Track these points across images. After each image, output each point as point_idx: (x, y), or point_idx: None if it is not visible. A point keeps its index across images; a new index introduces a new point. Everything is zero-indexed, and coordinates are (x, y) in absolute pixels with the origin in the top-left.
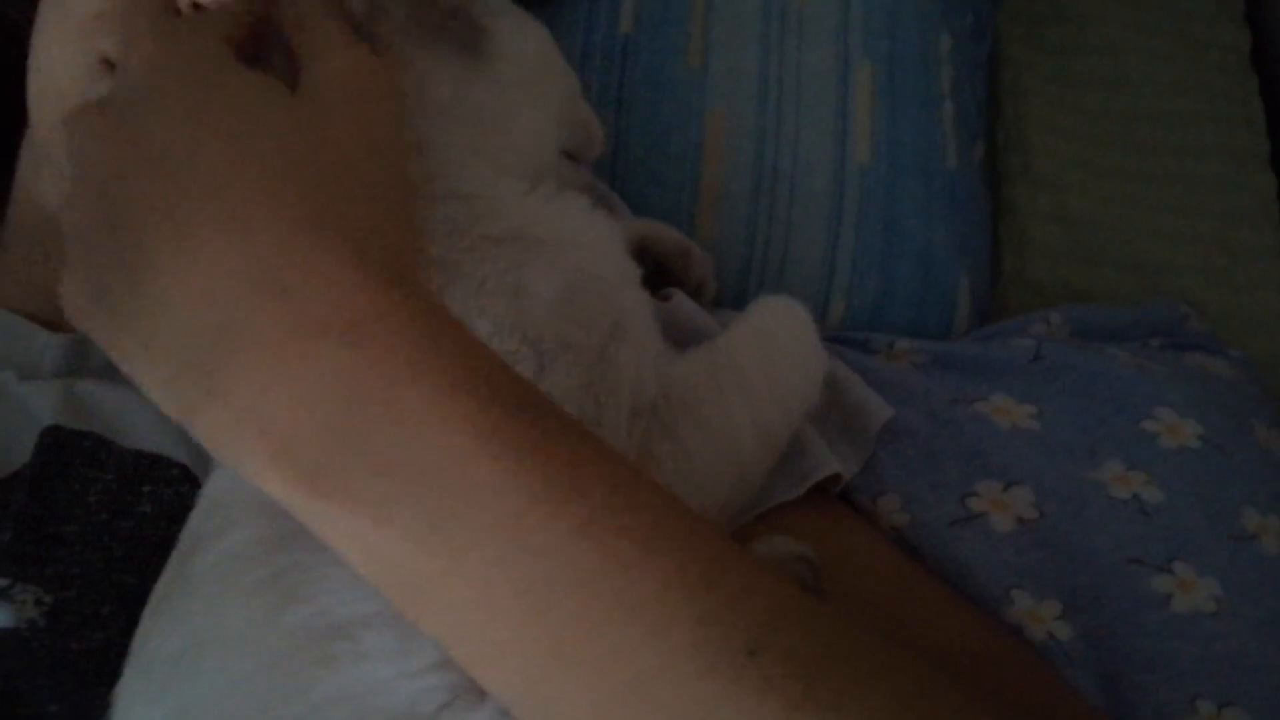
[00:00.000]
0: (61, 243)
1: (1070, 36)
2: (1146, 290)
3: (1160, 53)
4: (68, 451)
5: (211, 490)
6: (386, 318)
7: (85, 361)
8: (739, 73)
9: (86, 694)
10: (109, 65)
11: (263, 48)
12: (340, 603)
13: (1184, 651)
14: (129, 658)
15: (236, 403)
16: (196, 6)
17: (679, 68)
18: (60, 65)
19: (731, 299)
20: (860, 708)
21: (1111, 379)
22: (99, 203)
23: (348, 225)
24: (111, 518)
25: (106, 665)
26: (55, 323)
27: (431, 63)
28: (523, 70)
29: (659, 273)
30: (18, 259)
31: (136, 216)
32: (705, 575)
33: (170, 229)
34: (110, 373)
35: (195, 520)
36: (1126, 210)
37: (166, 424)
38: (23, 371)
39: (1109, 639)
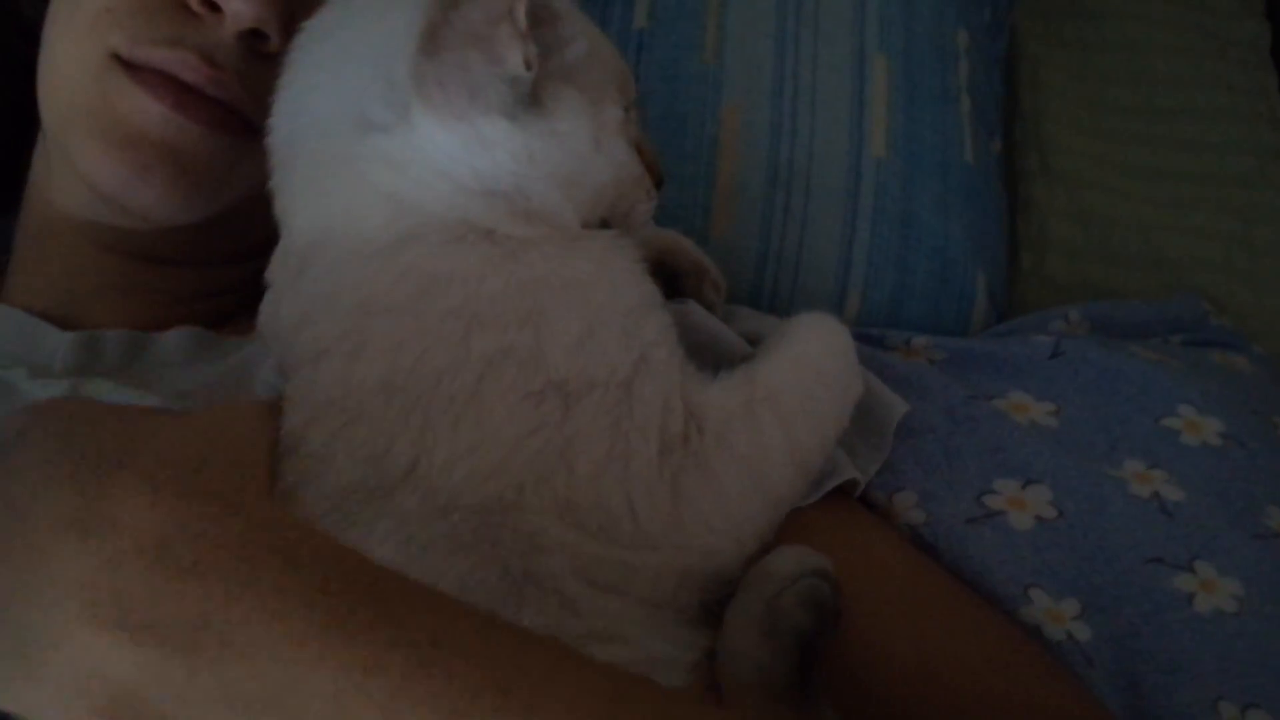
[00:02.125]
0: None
1: (1089, 32)
2: (1166, 287)
3: (1180, 48)
4: None
5: None
6: (201, 536)
7: (96, 360)
8: (754, 68)
9: None
10: (118, 60)
11: None
12: None
13: (1206, 652)
14: None
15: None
16: (211, 6)
17: (694, 63)
18: (70, 60)
19: (747, 294)
20: None
21: (1132, 375)
22: None
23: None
24: None
25: None
26: (66, 321)
27: None
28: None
29: (672, 282)
30: (30, 257)
31: None
32: None
33: None
34: (120, 374)
35: None
36: (1146, 207)
37: None
38: (33, 370)
39: (1130, 639)
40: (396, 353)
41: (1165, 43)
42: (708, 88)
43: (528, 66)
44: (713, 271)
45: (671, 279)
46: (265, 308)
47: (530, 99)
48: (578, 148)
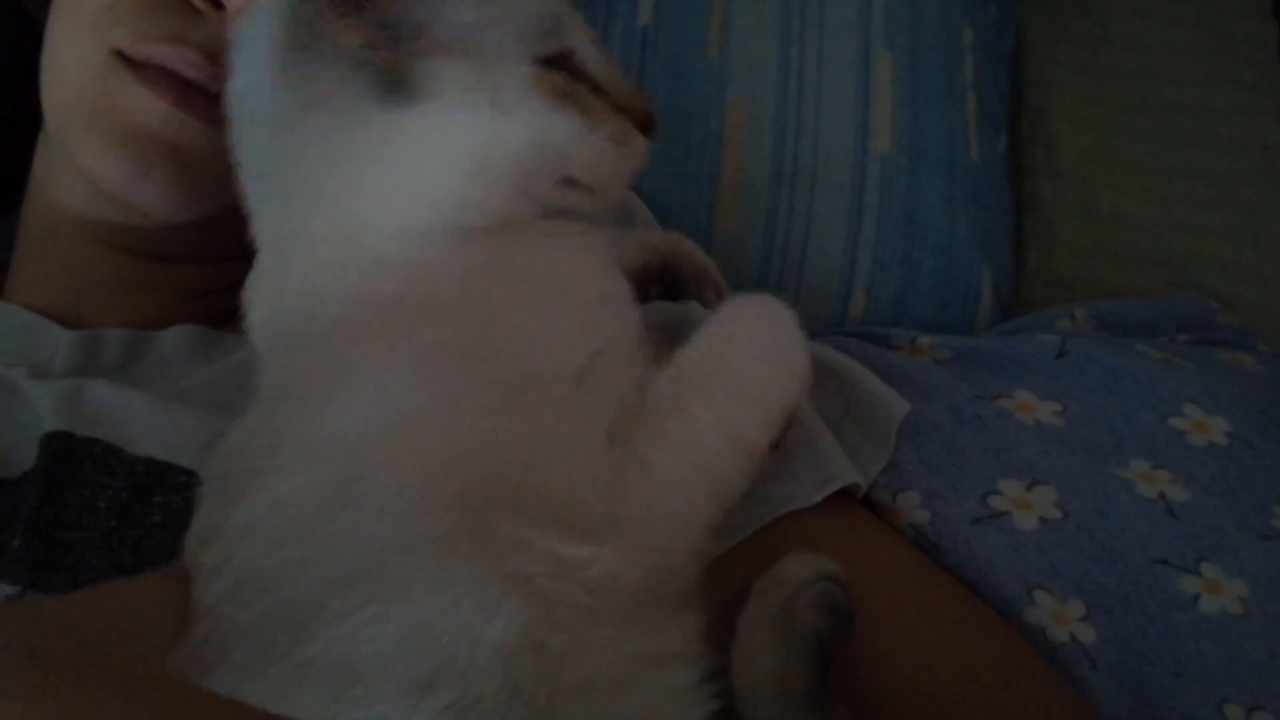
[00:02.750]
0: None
1: (1095, 29)
2: (1173, 285)
3: (1186, 46)
4: (78, 458)
5: None
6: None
7: (95, 361)
8: (759, 64)
9: None
10: (120, 56)
11: None
12: None
13: (1212, 654)
14: None
15: None
16: (214, 3)
17: (699, 59)
18: (72, 57)
19: (751, 291)
20: None
21: (1138, 375)
22: None
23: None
24: (121, 525)
25: None
26: (69, 318)
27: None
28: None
29: (675, 285)
30: (33, 255)
31: None
32: None
33: None
34: (120, 373)
35: None
36: (1152, 205)
37: (175, 428)
38: (34, 369)
39: (1135, 641)
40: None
41: (1172, 40)
42: (713, 84)
43: (372, 48)
44: (715, 276)
45: (675, 283)
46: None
47: (393, 84)
48: (468, 122)
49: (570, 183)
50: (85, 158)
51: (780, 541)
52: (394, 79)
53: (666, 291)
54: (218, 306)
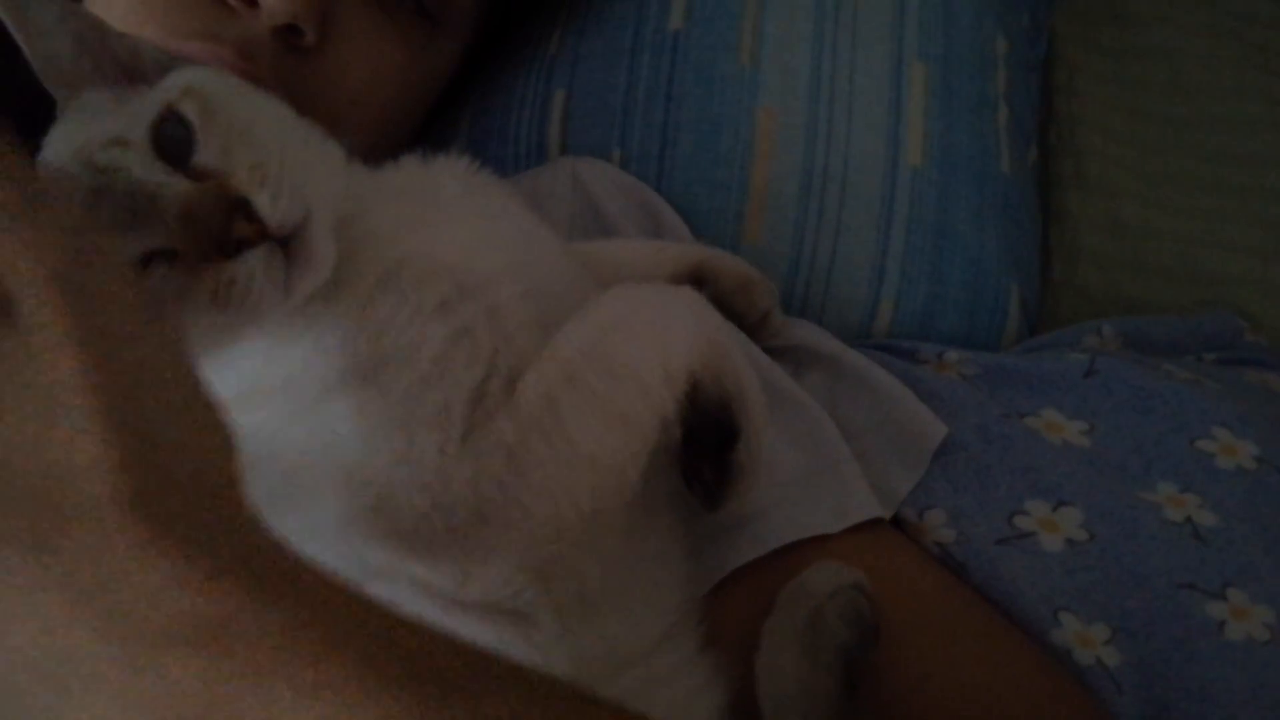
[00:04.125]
0: None
1: (1126, 39)
2: (1200, 302)
3: (1219, 57)
4: None
5: None
6: (235, 618)
7: None
8: (791, 71)
9: None
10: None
11: None
12: None
13: (1236, 681)
14: None
15: None
16: (247, 1)
17: (730, 65)
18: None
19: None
20: None
21: (1167, 396)
22: None
23: (171, 502)
24: None
25: None
26: None
27: None
28: None
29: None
30: None
31: None
32: None
33: None
34: None
35: None
36: (1181, 218)
37: None
38: None
39: (1159, 666)
40: None
41: (1204, 52)
42: (743, 90)
43: None
44: (760, 280)
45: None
46: None
47: None
48: None
49: None
50: None
51: (804, 558)
52: None
53: None
54: None
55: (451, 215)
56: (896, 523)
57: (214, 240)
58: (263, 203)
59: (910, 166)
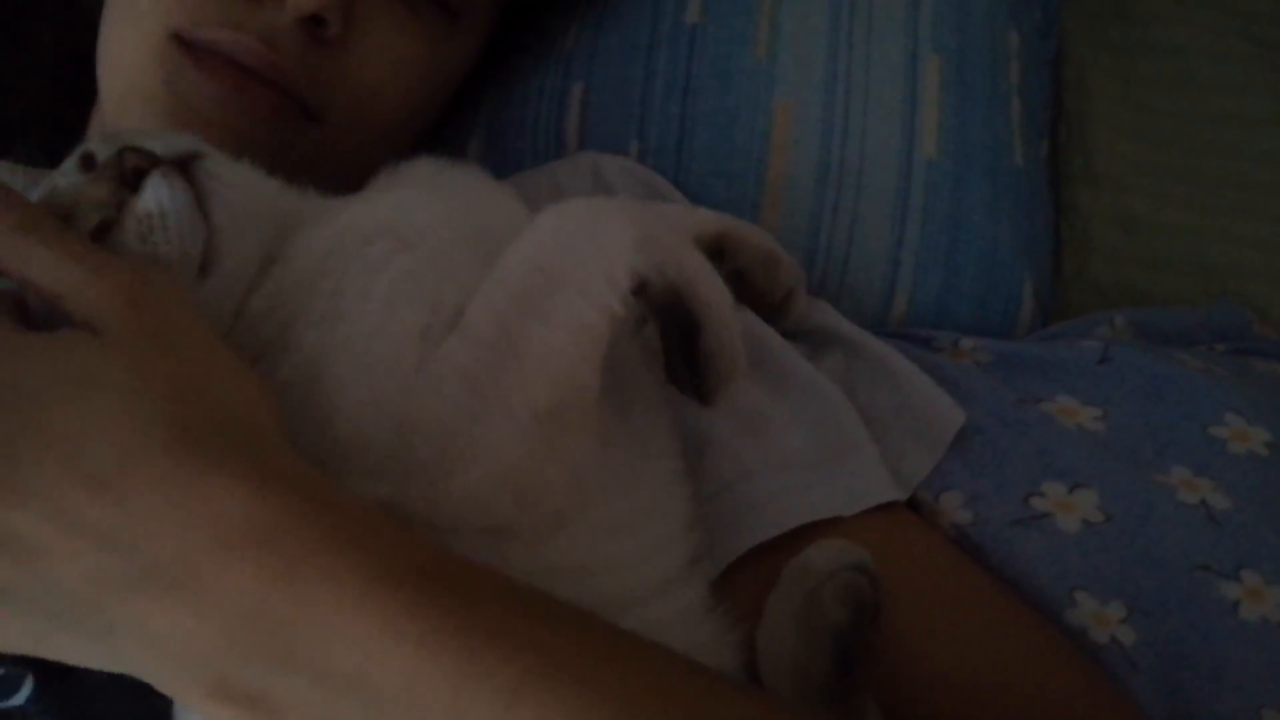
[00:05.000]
0: None
1: (1134, 35)
2: (1210, 294)
3: (1226, 54)
4: None
5: None
6: (287, 524)
7: None
8: (807, 64)
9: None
10: (178, 40)
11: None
12: None
13: (1251, 660)
14: None
15: (150, 633)
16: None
17: (746, 59)
18: (130, 41)
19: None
20: None
21: (1180, 383)
22: None
23: (223, 436)
24: None
25: None
26: None
27: None
28: None
29: (737, 283)
30: None
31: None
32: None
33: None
34: None
35: None
36: (1190, 213)
37: None
38: None
39: (1175, 645)
40: None
41: (1211, 48)
42: (760, 84)
43: None
44: (787, 258)
45: (736, 275)
46: None
47: None
48: None
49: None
50: None
51: (815, 535)
52: None
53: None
54: None
55: (393, 185)
56: (912, 505)
57: (118, 183)
58: (150, 144)
59: (925, 159)
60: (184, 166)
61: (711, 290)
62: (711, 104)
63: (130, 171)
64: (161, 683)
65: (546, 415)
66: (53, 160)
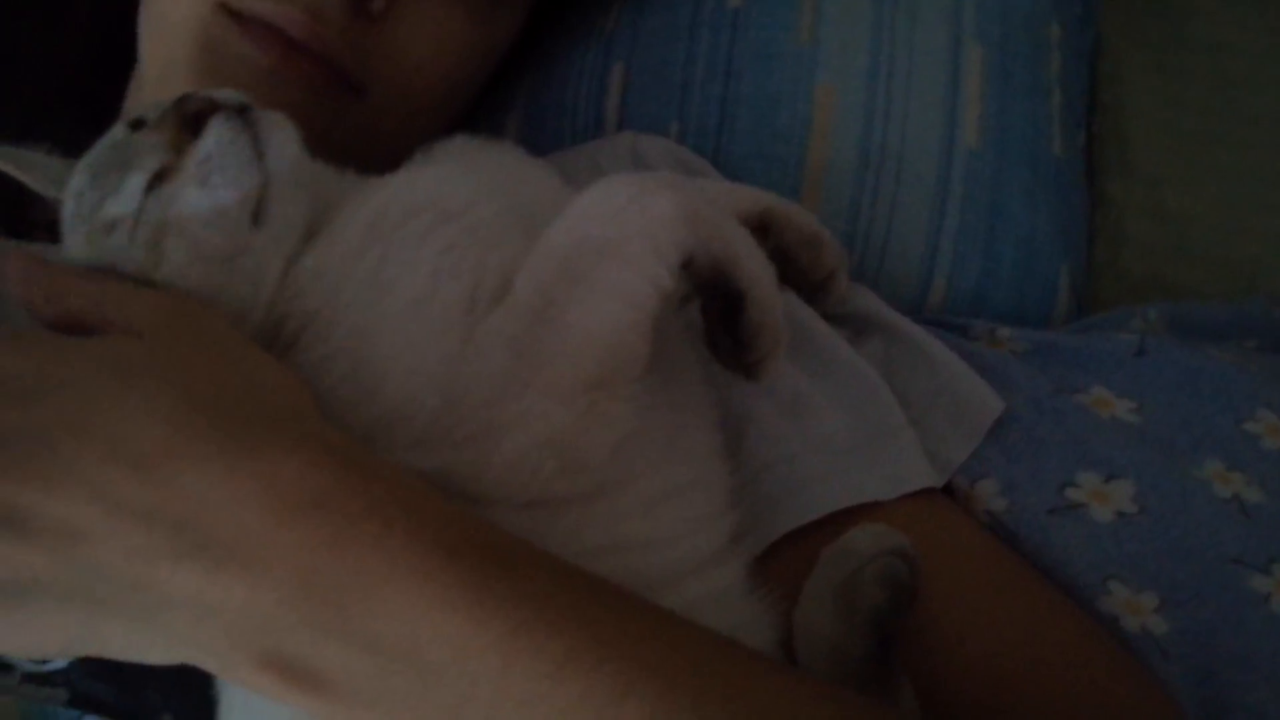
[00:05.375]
0: None
1: (1170, 31)
2: (1242, 290)
3: (1261, 51)
4: None
5: None
6: (336, 493)
7: None
8: (850, 49)
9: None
10: (225, 9)
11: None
12: None
13: None
14: None
15: (200, 606)
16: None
17: (789, 43)
18: (178, 8)
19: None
20: None
21: (1215, 377)
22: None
23: (265, 416)
24: None
25: None
26: None
27: None
28: None
29: (780, 262)
30: None
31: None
32: (690, 691)
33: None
34: None
35: None
36: (1223, 208)
37: None
38: None
39: (1207, 636)
40: None
41: (1246, 45)
42: (802, 68)
43: None
44: (830, 239)
45: (776, 256)
46: None
47: None
48: None
49: None
50: None
51: (855, 524)
52: None
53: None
54: None
55: (432, 161)
56: (948, 491)
57: (179, 124)
58: (210, 92)
59: (966, 147)
60: (241, 113)
61: (756, 264)
62: (753, 87)
63: (191, 116)
64: (211, 659)
65: (593, 384)
66: (77, 140)
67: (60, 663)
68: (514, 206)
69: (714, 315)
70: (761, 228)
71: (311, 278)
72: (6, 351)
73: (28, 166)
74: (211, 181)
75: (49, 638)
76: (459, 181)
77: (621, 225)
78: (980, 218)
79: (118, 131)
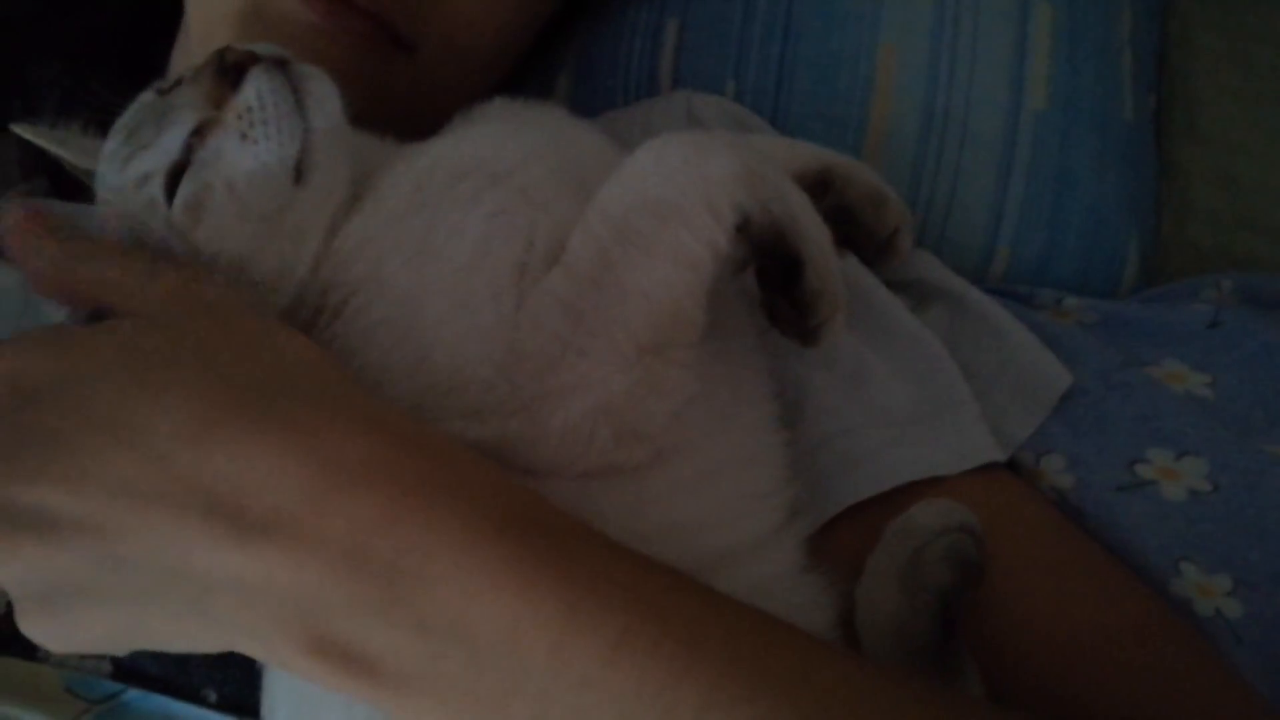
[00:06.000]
0: None
1: None
2: None
3: None
4: None
5: None
6: (381, 466)
7: None
8: (914, 8)
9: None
10: None
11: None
12: None
13: None
14: None
15: (246, 589)
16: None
17: (851, 2)
18: None
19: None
20: None
21: None
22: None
23: (297, 390)
24: None
25: None
26: None
27: None
28: None
29: (843, 220)
30: None
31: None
32: (748, 678)
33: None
34: None
35: None
36: None
37: None
38: None
39: None
40: None
41: None
42: (865, 26)
43: None
44: (895, 198)
45: (842, 210)
46: None
47: None
48: None
49: None
50: None
51: (919, 498)
52: None
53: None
54: None
55: (474, 124)
56: (1011, 467)
57: (217, 81)
58: (249, 45)
59: (1033, 110)
60: (281, 66)
61: (814, 227)
62: (814, 46)
63: (231, 67)
64: (259, 644)
65: (650, 348)
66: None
67: None
68: (563, 167)
69: (772, 281)
70: (822, 185)
71: (355, 246)
72: (19, 351)
73: (63, 143)
74: (253, 134)
75: (98, 637)
76: (507, 142)
77: (677, 186)
78: (1046, 184)
79: (147, 96)
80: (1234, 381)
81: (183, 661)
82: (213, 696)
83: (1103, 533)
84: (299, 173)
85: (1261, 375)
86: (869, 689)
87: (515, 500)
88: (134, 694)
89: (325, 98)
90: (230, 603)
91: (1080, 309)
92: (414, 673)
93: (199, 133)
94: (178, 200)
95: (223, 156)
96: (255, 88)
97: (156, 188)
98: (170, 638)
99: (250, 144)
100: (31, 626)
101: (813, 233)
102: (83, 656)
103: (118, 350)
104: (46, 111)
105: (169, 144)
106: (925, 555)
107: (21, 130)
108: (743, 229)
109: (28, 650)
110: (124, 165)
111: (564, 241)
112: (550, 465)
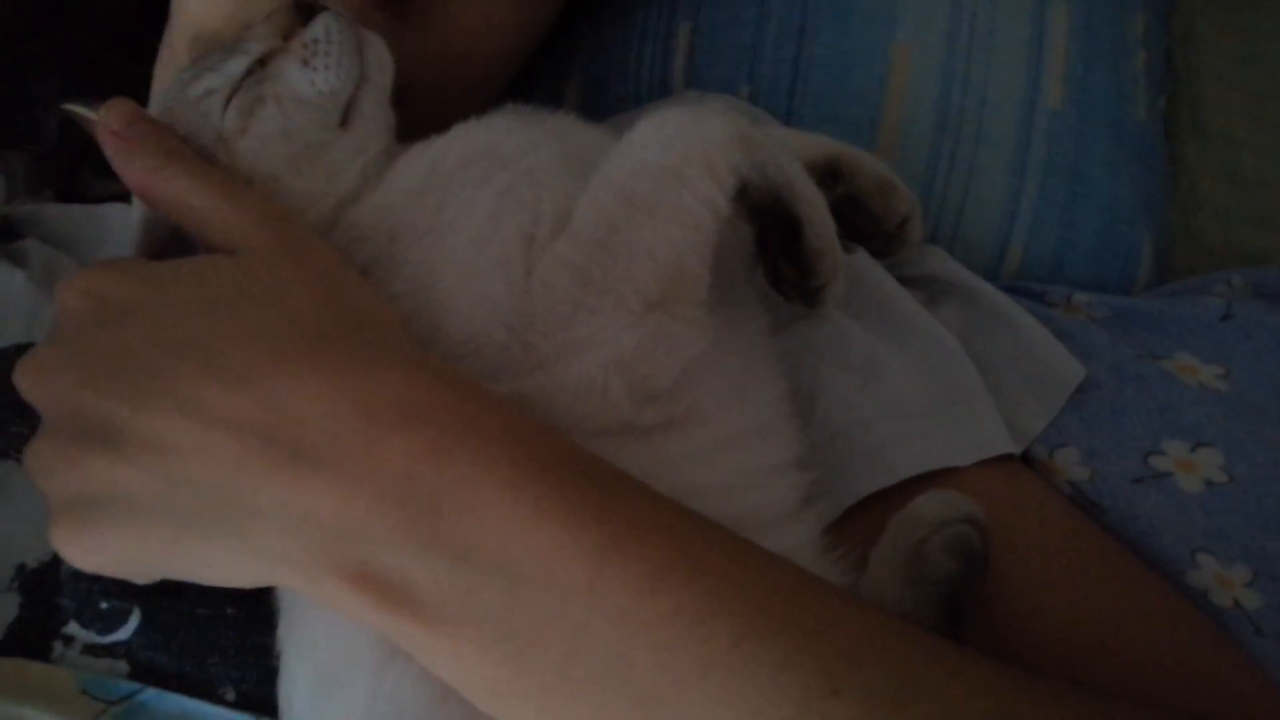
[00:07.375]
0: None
1: None
2: None
3: None
4: None
5: None
6: (434, 406)
7: None
8: (928, 7)
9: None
10: None
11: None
12: None
13: None
14: None
15: (291, 516)
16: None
17: (865, 1)
18: None
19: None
20: None
21: None
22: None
23: (362, 335)
24: None
25: None
26: None
27: None
28: None
29: (852, 210)
30: None
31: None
32: (782, 616)
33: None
34: None
35: None
36: None
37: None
38: None
39: None
40: None
41: None
42: (879, 26)
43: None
44: (903, 186)
45: (850, 200)
46: None
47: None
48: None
49: None
50: None
51: (929, 485)
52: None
53: (842, 206)
54: None
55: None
56: (1025, 461)
57: (289, 15)
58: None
59: (1048, 109)
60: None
61: (810, 190)
62: (827, 47)
63: (305, 5)
64: (298, 573)
65: (657, 304)
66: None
67: (121, 634)
68: (569, 154)
69: (773, 245)
70: (831, 175)
71: (371, 222)
72: (105, 276)
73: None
74: (315, 63)
75: (129, 556)
76: (514, 130)
77: (677, 152)
78: (1060, 183)
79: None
80: (1248, 373)
81: (200, 659)
82: (231, 694)
83: (1120, 525)
84: (345, 115)
85: (1275, 367)
86: (898, 632)
87: (559, 444)
88: (150, 693)
89: (383, 59)
90: (275, 529)
91: (1091, 304)
92: (451, 605)
93: (263, 61)
94: (231, 106)
95: (281, 75)
96: (325, 24)
97: (215, 104)
98: (205, 563)
99: (310, 70)
100: (64, 536)
101: (810, 195)
102: (98, 656)
103: (200, 283)
104: (48, 127)
105: (233, 68)
106: (928, 546)
107: (72, 109)
108: (741, 195)
109: (42, 653)
110: (188, 85)
111: (569, 215)
112: (566, 421)
